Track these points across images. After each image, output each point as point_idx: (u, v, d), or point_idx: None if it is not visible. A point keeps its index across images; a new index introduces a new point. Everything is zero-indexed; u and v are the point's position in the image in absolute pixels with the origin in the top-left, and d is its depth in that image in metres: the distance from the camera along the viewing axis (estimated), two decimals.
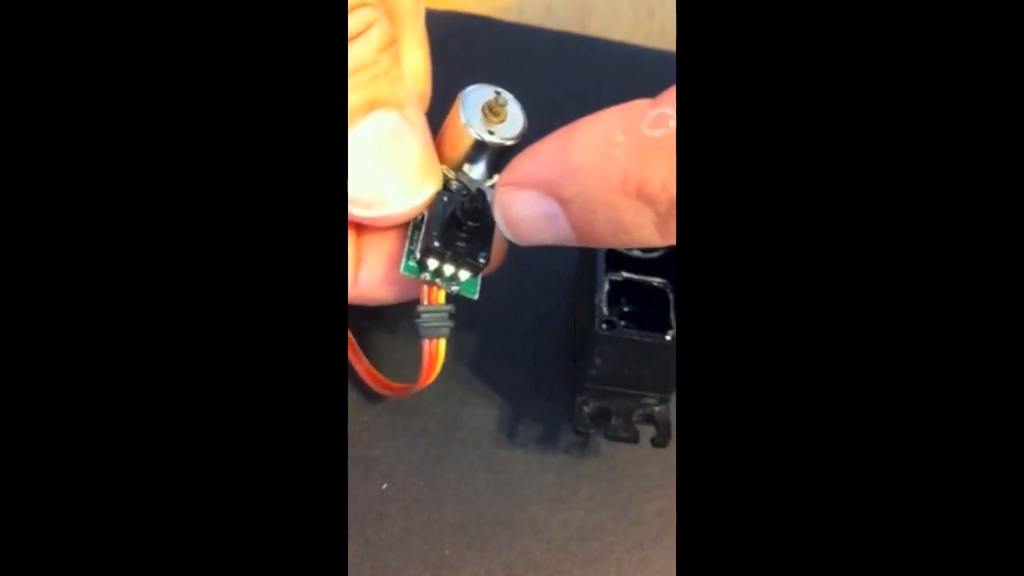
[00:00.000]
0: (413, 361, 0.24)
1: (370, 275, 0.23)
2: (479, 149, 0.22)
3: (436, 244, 0.21)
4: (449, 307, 0.23)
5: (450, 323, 0.23)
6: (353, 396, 0.28)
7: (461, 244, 0.22)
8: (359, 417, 0.27)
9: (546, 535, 0.26)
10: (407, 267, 0.22)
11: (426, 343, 0.23)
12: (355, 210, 0.21)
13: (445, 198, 0.22)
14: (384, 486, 0.26)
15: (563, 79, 0.36)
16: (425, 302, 0.23)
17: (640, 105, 0.17)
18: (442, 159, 0.23)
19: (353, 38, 0.20)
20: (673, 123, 0.16)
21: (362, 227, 0.23)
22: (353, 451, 0.27)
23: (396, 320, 0.28)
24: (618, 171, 0.16)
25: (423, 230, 0.22)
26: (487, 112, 0.22)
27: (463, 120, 0.22)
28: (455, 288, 0.23)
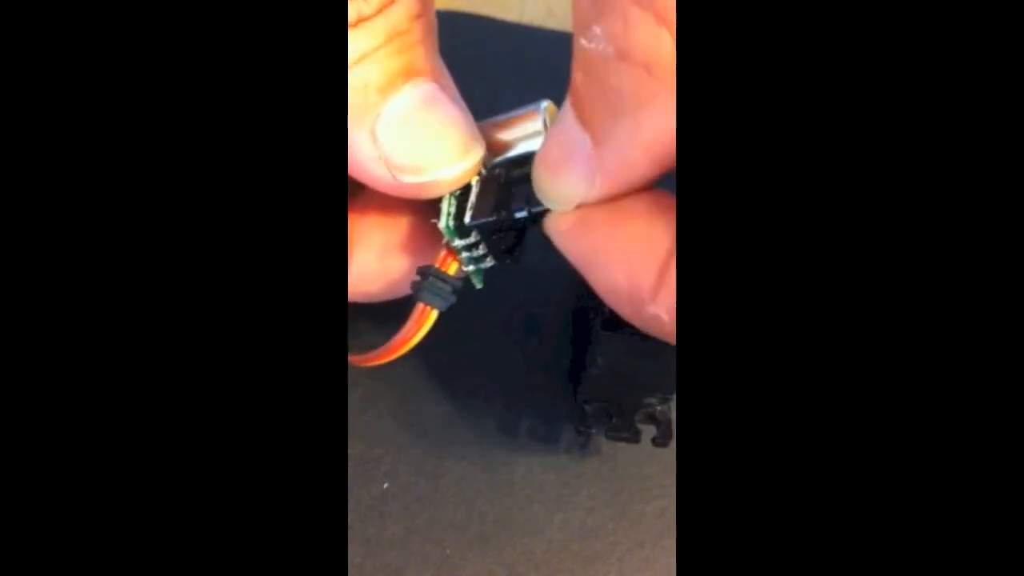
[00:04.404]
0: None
1: (359, 268, 0.23)
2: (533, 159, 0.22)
3: (492, 219, 0.21)
4: (458, 282, 0.22)
5: (452, 299, 0.22)
6: (353, 396, 0.28)
7: (506, 233, 0.21)
8: (359, 417, 0.27)
9: (547, 535, 0.26)
10: (447, 227, 0.21)
11: (420, 307, 0.22)
12: (404, 177, 0.21)
13: (502, 179, 0.21)
14: (385, 485, 0.26)
15: (563, 79, 0.36)
16: (438, 266, 0.22)
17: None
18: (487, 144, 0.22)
19: (386, 5, 0.19)
20: None
21: (352, 217, 0.23)
22: (353, 451, 0.27)
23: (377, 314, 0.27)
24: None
25: (474, 199, 0.21)
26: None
27: (540, 126, 0.21)
28: (469, 268, 0.22)
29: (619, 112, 0.17)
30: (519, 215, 0.21)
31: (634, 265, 0.18)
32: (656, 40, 0.15)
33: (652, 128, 0.16)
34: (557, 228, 0.19)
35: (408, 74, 0.20)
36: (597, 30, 0.16)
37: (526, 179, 0.20)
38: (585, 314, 0.26)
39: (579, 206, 0.19)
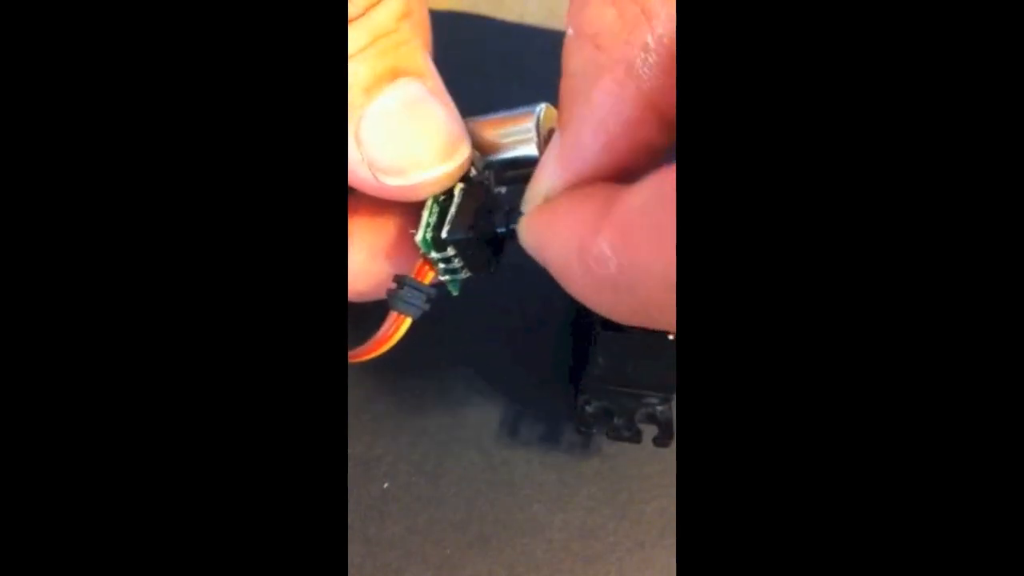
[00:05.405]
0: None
1: (350, 268, 0.22)
2: (525, 164, 0.21)
3: (468, 236, 0.21)
4: (432, 290, 0.22)
5: (426, 306, 0.22)
6: (353, 396, 0.28)
7: (483, 246, 0.21)
8: (359, 417, 0.27)
9: (547, 534, 0.26)
10: (423, 240, 0.21)
11: (393, 315, 0.22)
12: (388, 179, 0.20)
13: (489, 183, 0.21)
14: (385, 485, 0.26)
15: None
16: (414, 275, 0.22)
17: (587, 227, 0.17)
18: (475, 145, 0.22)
19: (372, 5, 0.19)
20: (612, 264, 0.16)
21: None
22: (353, 451, 0.27)
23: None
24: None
25: (454, 212, 0.21)
26: (547, 137, 0.21)
27: (532, 129, 0.21)
28: (446, 278, 0.22)
29: (575, 95, 0.17)
30: (499, 231, 0.21)
31: (576, 217, 0.17)
32: (601, 10, 0.16)
33: (600, 108, 0.16)
34: (520, 227, 0.19)
35: (394, 74, 0.20)
36: (566, 17, 0.16)
37: (514, 183, 0.20)
38: (586, 315, 0.26)
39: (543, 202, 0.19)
